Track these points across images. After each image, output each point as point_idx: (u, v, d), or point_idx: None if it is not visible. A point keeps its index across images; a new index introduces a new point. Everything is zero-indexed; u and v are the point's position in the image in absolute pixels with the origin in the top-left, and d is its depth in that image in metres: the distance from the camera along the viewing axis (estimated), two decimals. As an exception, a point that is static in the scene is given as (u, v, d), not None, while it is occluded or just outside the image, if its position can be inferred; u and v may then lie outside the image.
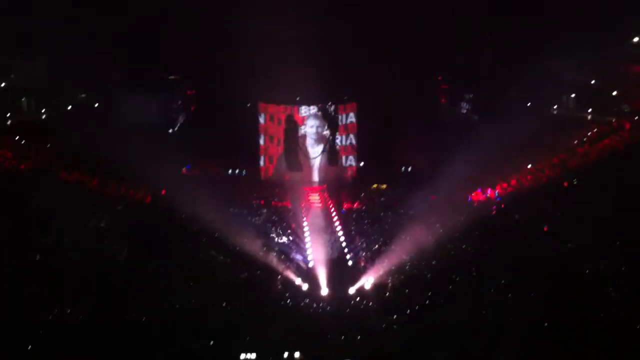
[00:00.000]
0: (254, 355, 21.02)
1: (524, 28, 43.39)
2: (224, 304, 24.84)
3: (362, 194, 41.48)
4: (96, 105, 47.57)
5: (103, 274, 26.40)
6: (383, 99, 43.56)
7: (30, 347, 20.28)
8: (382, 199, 40.72)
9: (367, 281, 28.72)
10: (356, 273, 30.07)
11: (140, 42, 44.41)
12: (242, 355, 20.98)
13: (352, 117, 45.18)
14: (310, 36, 42.53)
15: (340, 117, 45.18)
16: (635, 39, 41.46)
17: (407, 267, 29.65)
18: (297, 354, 21.33)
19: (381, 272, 29.63)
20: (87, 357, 20.01)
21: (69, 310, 22.93)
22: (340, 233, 35.59)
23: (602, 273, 25.94)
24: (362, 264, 31.24)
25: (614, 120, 41.94)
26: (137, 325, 22.19)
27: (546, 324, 21.98)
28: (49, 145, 41.60)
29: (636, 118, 39.77)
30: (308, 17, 42.45)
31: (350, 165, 45.62)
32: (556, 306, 22.97)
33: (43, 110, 46.27)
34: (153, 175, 39.42)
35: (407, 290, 26.78)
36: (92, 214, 33.38)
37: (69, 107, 47.19)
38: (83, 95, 47.79)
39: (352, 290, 27.86)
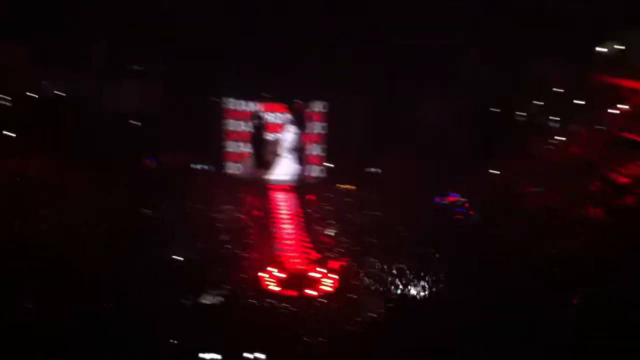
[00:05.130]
0: (216, 356, 20.63)
1: (490, 29, 43.55)
2: (185, 302, 24.42)
3: (330, 195, 41.29)
4: (61, 93, 46.35)
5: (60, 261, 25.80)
6: (352, 98, 43.29)
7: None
8: (350, 199, 40.59)
9: (333, 282, 28.62)
10: (323, 273, 29.98)
11: (106, 31, 43.53)
12: (204, 355, 20.56)
13: (320, 117, 45.03)
14: (280, 33, 42.27)
15: (308, 116, 45.02)
16: (598, 48, 41.81)
17: (373, 268, 29.58)
18: (259, 355, 21.00)
19: (346, 273, 29.60)
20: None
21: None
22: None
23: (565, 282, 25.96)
24: (329, 264, 31.04)
25: (575, 128, 42.29)
26: (97, 323, 21.54)
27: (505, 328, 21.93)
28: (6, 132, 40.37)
29: (597, 127, 40.11)
30: (277, 15, 42.30)
31: (317, 166, 45.43)
32: (516, 314, 22.95)
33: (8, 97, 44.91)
34: (115, 166, 38.94)
35: (373, 291, 26.74)
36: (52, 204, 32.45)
37: (34, 94, 45.92)
38: (45, 82, 46.53)
39: (317, 291, 27.70)
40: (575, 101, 41.93)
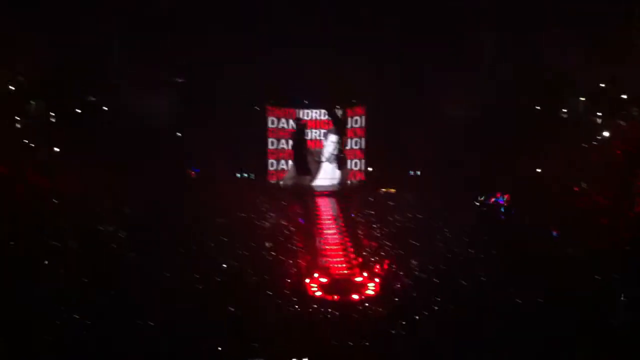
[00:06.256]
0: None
1: (528, 26, 42.92)
2: (231, 309, 24.74)
3: (370, 199, 41.37)
4: (104, 108, 47.37)
5: (107, 271, 26.38)
6: (391, 103, 43.17)
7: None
8: (391, 203, 40.61)
9: (375, 286, 28.69)
10: (365, 278, 30.07)
11: (144, 44, 44.24)
12: (250, 362, 20.87)
13: (360, 121, 45.13)
14: (319, 39, 42.39)
15: (348, 121, 45.21)
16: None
17: (416, 271, 29.53)
18: (305, 360, 21.20)
19: (389, 277, 29.61)
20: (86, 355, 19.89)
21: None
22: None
23: (613, 281, 25.49)
24: (372, 268, 31.09)
25: (623, 124, 41.52)
26: (141, 329, 22.03)
27: (553, 331, 21.67)
28: (56, 149, 41.52)
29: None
30: (316, 21, 42.48)
31: (359, 170, 45.50)
32: (564, 314, 22.64)
33: (52, 113, 46.05)
34: (160, 178, 39.57)
35: (415, 295, 26.68)
36: (98, 215, 33.37)
37: (78, 110, 47.01)
38: (92, 99, 47.60)
39: (359, 295, 27.80)
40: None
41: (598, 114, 42.87)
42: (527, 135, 40.88)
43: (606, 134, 40.56)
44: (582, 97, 43.99)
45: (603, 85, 42.41)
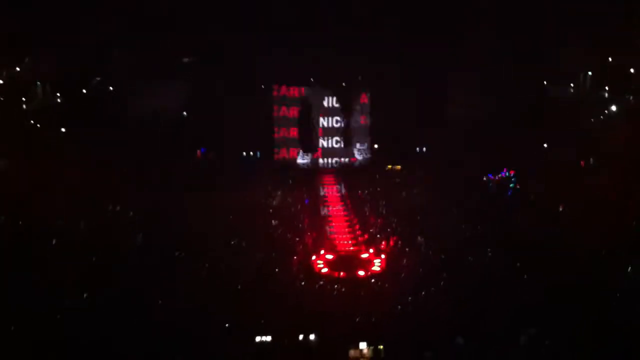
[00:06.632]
0: (269, 338, 21.07)
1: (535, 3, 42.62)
2: (238, 287, 24.93)
3: (377, 176, 41.40)
4: (111, 88, 47.39)
5: (119, 257, 26.58)
6: (396, 81, 42.94)
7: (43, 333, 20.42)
8: (397, 180, 40.62)
9: (382, 262, 28.81)
10: (371, 254, 30.21)
11: (152, 25, 44.17)
12: (258, 338, 21.04)
13: (366, 99, 44.96)
14: (325, 20, 42.23)
15: (354, 99, 45.05)
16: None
17: (422, 248, 29.62)
18: (312, 337, 21.35)
19: (395, 253, 29.71)
20: (101, 342, 20.09)
21: (85, 295, 23.07)
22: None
23: (617, 257, 25.45)
24: (378, 245, 31.21)
25: (631, 99, 41.32)
26: (151, 309, 22.25)
27: (559, 308, 21.71)
28: (63, 130, 41.67)
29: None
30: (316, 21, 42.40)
31: (364, 147, 45.44)
32: (569, 291, 22.65)
33: (58, 95, 46.16)
34: (167, 159, 39.71)
35: (421, 271, 26.78)
36: (107, 199, 33.58)
37: (84, 91, 47.09)
38: (98, 79, 47.65)
39: (365, 272, 27.93)
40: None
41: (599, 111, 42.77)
42: (532, 117, 40.79)
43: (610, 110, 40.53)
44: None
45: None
